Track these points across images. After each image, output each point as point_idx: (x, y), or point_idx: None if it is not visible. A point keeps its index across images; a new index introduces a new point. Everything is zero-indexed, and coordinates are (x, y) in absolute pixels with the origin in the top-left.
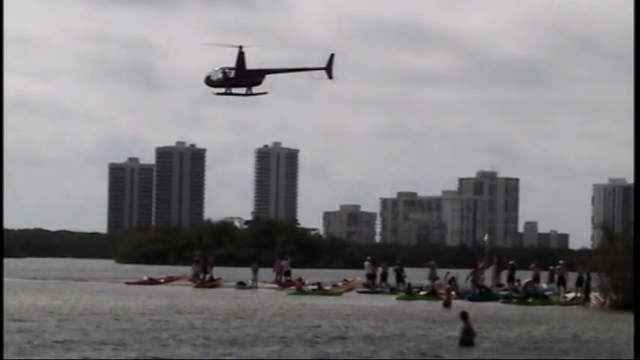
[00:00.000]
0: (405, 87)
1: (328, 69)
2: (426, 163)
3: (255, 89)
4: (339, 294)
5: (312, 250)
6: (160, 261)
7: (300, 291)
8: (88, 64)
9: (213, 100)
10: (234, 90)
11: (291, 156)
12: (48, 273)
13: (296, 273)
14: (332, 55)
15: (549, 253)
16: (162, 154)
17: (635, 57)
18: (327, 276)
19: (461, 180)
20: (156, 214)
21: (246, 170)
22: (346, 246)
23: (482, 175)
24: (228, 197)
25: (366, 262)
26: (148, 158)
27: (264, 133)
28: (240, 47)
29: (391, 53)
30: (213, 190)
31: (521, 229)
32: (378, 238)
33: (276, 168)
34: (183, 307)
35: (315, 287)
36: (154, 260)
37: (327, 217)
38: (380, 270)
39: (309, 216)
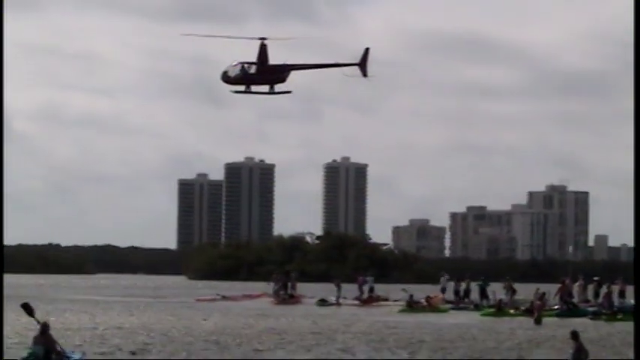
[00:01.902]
0: (470, 100)
1: (362, 65)
2: (494, 176)
3: (277, 87)
4: (445, 311)
5: (384, 265)
6: (231, 277)
7: (410, 307)
8: (154, 80)
9: (278, 114)
10: (253, 88)
11: (360, 170)
12: (137, 291)
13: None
14: (367, 50)
15: (620, 266)
16: (232, 169)
17: (635, 57)
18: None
19: (530, 193)
20: (225, 229)
21: (314, 185)
22: (417, 261)
23: (552, 188)
24: (297, 212)
25: (442, 278)
26: (217, 174)
27: (332, 147)
28: (262, 39)
29: (455, 66)
30: (282, 205)
31: (591, 242)
32: (447, 253)
33: (345, 183)
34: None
35: (424, 304)
36: (225, 276)
37: (397, 231)
38: (463, 285)
39: (378, 230)
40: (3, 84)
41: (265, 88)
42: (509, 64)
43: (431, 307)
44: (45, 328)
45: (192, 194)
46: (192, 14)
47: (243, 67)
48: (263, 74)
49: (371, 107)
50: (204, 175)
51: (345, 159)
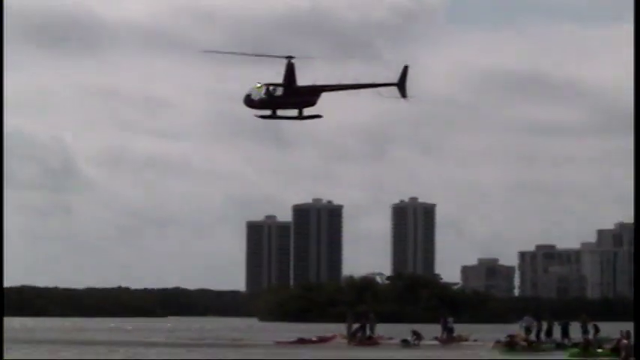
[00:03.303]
0: (536, 139)
1: (401, 85)
2: (563, 215)
3: (307, 111)
4: (545, 350)
5: (455, 305)
6: (302, 318)
7: (511, 346)
8: (218, 122)
9: (343, 155)
10: (280, 112)
11: (428, 210)
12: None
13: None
14: (405, 68)
15: None
16: (300, 211)
17: (635, 57)
18: (482, 331)
19: (599, 232)
20: (294, 271)
21: (382, 225)
22: (488, 300)
23: (621, 226)
24: (365, 253)
25: (527, 317)
26: (285, 216)
27: (398, 187)
28: (290, 58)
29: (519, 105)
30: (350, 245)
31: None
32: (516, 292)
33: (414, 223)
34: None
35: (524, 343)
36: (296, 317)
37: (466, 271)
38: (545, 325)
39: (447, 270)
40: (3, 84)
41: (294, 112)
42: (573, 102)
43: (531, 346)
44: None
45: (261, 236)
46: (256, 58)
47: (268, 89)
48: (291, 97)
49: (436, 147)
50: (273, 217)
51: (413, 199)
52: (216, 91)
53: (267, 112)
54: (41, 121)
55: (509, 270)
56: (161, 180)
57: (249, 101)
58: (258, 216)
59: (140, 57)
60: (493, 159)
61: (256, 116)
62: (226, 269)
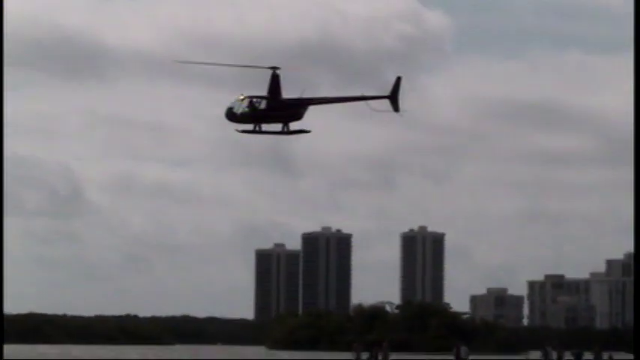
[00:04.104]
0: (544, 168)
1: (393, 98)
2: (571, 244)
3: (293, 125)
4: None
5: (464, 334)
6: (311, 347)
7: None
8: (225, 149)
9: (351, 184)
10: (264, 126)
11: (437, 239)
12: None
13: None
14: (398, 79)
15: None
16: (309, 239)
17: (635, 58)
18: None
19: (608, 262)
20: (303, 299)
21: (391, 254)
22: (498, 329)
23: (630, 256)
24: (374, 281)
25: (548, 348)
26: (294, 244)
27: (407, 216)
28: (274, 69)
29: (528, 134)
30: (359, 274)
31: None
32: (525, 321)
33: (422, 251)
34: None
35: None
36: (305, 346)
37: (474, 300)
38: (555, 354)
39: (456, 299)
40: (3, 87)
41: (278, 126)
42: (581, 131)
43: None
44: None
45: (270, 264)
46: (261, 83)
47: (251, 102)
48: (275, 110)
49: (445, 176)
50: (282, 245)
51: (422, 228)
52: (223, 118)
53: (250, 127)
54: (50, 148)
55: (518, 299)
56: (169, 207)
57: (231, 115)
58: (267, 244)
59: (149, 84)
60: (502, 188)
61: (238, 131)
62: (235, 297)
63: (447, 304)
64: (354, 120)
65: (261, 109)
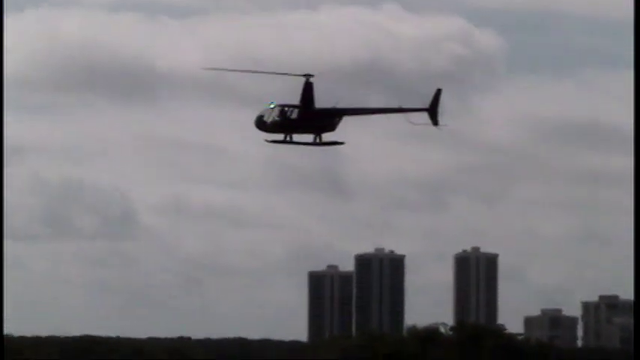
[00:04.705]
0: (595, 187)
1: (432, 111)
2: (625, 265)
3: (325, 136)
4: None
5: (520, 356)
6: None
7: None
8: (278, 172)
9: (403, 205)
10: (295, 137)
11: (491, 260)
12: None
13: None
14: (438, 92)
15: None
16: (362, 261)
17: (635, 59)
18: None
19: None
20: (356, 321)
21: (444, 275)
22: (553, 351)
23: None
24: (427, 303)
25: None
26: (347, 265)
27: (460, 237)
28: (308, 76)
29: (579, 154)
30: (412, 295)
31: None
32: (580, 343)
33: (476, 273)
34: None
35: None
36: None
37: (528, 321)
38: None
39: (510, 320)
40: (3, 90)
41: (310, 137)
42: (631, 151)
43: None
44: None
45: (323, 286)
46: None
47: (282, 110)
48: (307, 120)
49: (497, 196)
50: (335, 267)
51: (475, 249)
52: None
53: (280, 137)
54: (104, 171)
55: (573, 321)
56: (221, 229)
57: (261, 123)
58: (320, 266)
59: (199, 107)
60: (555, 208)
61: (267, 141)
62: (288, 319)
63: (502, 325)
64: (405, 141)
65: (293, 119)
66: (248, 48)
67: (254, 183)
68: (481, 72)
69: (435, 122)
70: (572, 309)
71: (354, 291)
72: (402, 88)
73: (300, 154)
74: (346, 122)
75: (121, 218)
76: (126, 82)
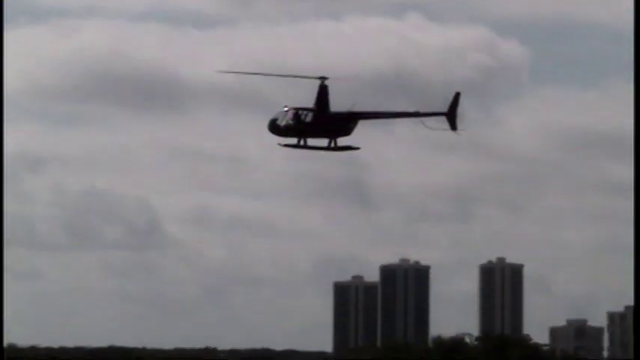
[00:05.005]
0: (620, 197)
1: (451, 115)
2: None
3: (341, 141)
4: None
5: None
6: None
7: None
8: (302, 182)
9: (428, 215)
10: (310, 141)
11: (516, 271)
12: None
13: None
14: (457, 95)
15: None
16: (387, 271)
17: (635, 58)
18: None
19: None
20: (381, 331)
21: (469, 285)
22: None
23: None
24: (452, 313)
25: None
26: (372, 276)
27: (485, 247)
28: (322, 79)
29: (604, 164)
30: (437, 306)
31: None
32: (605, 353)
33: (501, 283)
34: None
35: None
36: None
37: (554, 331)
38: None
39: (535, 331)
40: (3, 91)
41: (324, 141)
42: None
43: None
44: None
45: (348, 296)
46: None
47: (297, 114)
48: (322, 124)
49: (522, 206)
50: (360, 278)
51: (501, 259)
52: (299, 151)
53: (294, 141)
54: (128, 182)
55: (598, 331)
56: (246, 239)
57: (274, 127)
58: (345, 276)
59: (223, 116)
60: (580, 218)
61: (280, 145)
62: (313, 330)
63: (527, 335)
64: (430, 151)
65: (307, 122)
66: (273, 57)
67: (279, 193)
68: (505, 82)
69: (454, 127)
70: (598, 319)
71: (379, 301)
72: (425, 98)
73: (324, 164)
74: (369, 132)
75: (145, 229)
76: (150, 93)
